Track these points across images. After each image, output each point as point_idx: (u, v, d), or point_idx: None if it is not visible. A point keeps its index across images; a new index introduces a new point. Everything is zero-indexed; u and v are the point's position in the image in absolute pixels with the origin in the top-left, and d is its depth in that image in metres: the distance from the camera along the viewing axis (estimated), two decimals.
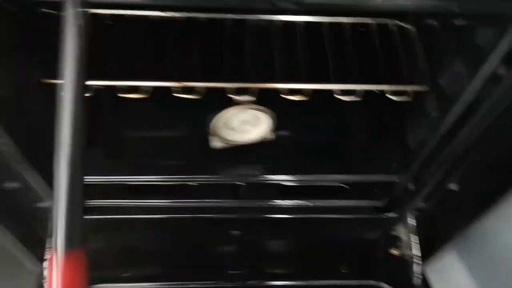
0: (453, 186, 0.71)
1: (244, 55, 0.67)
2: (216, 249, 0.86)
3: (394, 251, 0.84)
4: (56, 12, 0.66)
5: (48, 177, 0.68)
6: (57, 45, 0.65)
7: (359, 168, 0.76)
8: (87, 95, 0.61)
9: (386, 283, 0.79)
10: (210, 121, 0.70)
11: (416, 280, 0.79)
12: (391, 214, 0.82)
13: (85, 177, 0.71)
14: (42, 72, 0.63)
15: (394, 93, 0.66)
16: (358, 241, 0.85)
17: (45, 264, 0.76)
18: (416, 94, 0.66)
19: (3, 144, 0.59)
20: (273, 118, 0.70)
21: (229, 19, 0.70)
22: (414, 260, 0.80)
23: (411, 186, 0.75)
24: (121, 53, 0.67)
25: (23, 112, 0.61)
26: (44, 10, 0.65)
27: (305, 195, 0.81)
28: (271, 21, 0.70)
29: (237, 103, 0.66)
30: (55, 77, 0.61)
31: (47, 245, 0.77)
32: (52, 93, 0.64)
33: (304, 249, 0.84)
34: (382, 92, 0.67)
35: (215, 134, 0.71)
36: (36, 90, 0.64)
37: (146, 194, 0.79)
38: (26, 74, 0.62)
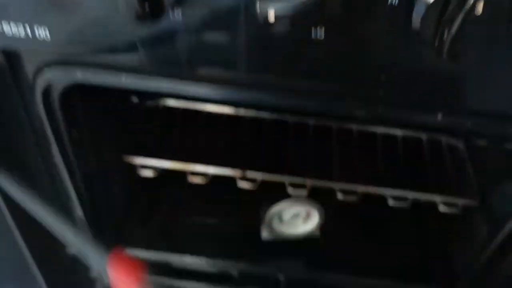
0: None
1: (303, 153, 0.72)
2: None
3: None
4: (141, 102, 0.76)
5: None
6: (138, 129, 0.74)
7: (401, 280, 0.76)
8: (151, 175, 0.69)
9: None
10: (264, 211, 0.74)
11: None
12: None
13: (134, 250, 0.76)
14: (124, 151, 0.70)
15: (444, 204, 0.68)
16: None
17: None
18: (465, 208, 0.68)
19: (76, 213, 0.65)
20: (322, 216, 0.73)
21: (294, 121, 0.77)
22: None
23: None
24: (190, 140, 0.75)
25: (103, 187, 0.67)
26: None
27: None
28: (331, 126, 0.77)
29: (291, 196, 0.71)
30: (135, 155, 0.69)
31: None
32: (128, 170, 0.71)
33: None
34: (430, 204, 0.70)
35: (267, 225, 0.74)
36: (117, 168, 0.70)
37: (188, 278, 0.81)
38: (112, 154, 0.69)
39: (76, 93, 0.49)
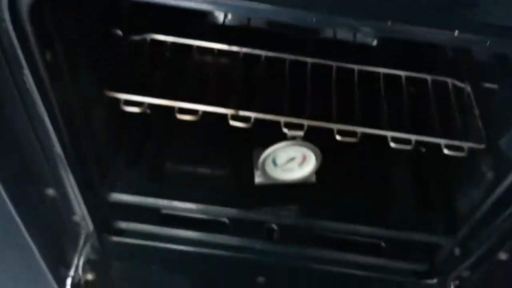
0: (503, 256, 0.67)
1: (302, 94, 0.68)
2: None
3: None
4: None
5: (88, 188, 0.68)
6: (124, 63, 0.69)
7: (401, 225, 0.73)
8: (138, 110, 0.64)
9: None
10: (257, 154, 0.70)
11: None
12: (430, 281, 0.77)
13: (121, 194, 0.72)
14: (107, 86, 0.64)
15: (449, 147, 0.64)
16: None
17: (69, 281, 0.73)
18: (471, 151, 0.64)
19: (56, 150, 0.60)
20: (319, 160, 0.69)
21: (291, 59, 0.72)
22: None
23: (457, 251, 0.71)
24: (179, 77, 0.69)
25: (85, 121, 0.62)
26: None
27: (339, 248, 0.78)
28: (332, 66, 0.72)
29: (287, 138, 0.66)
30: (118, 91, 0.64)
31: (74, 263, 0.75)
32: (111, 106, 0.66)
33: None
34: (434, 147, 0.66)
35: (260, 169, 0.70)
36: (99, 103, 0.65)
37: (178, 224, 0.77)
38: (93, 87, 0.64)
39: (47, 3, 0.44)
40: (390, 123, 0.66)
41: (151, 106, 0.65)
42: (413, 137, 0.64)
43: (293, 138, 0.66)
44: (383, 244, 0.78)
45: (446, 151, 0.64)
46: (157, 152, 0.78)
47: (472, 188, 0.68)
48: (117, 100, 0.63)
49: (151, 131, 0.80)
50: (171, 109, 0.64)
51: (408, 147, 0.64)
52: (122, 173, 0.74)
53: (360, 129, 0.64)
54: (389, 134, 0.64)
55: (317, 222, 0.73)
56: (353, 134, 0.64)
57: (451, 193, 0.73)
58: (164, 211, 0.77)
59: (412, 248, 0.77)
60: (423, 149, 0.80)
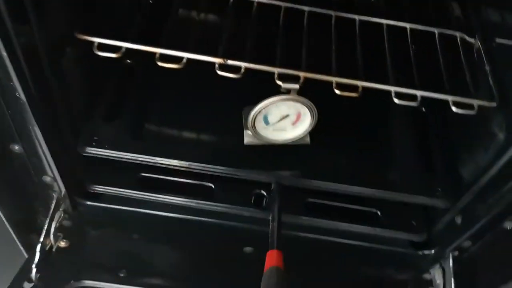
0: (509, 225, 0.62)
1: (298, 45, 0.61)
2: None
3: None
4: None
5: (59, 145, 0.61)
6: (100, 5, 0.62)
7: (399, 188, 0.68)
8: (114, 55, 0.56)
9: None
10: (247, 112, 0.63)
11: None
12: (428, 252, 0.73)
13: (97, 149, 0.65)
14: (78, 27, 0.57)
15: (457, 105, 0.59)
16: (387, 281, 0.75)
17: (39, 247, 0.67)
18: (481, 110, 0.59)
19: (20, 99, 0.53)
20: (315, 118, 0.64)
21: (286, 7, 0.65)
22: None
23: (458, 220, 0.66)
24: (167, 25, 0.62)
25: (53, 66, 0.55)
26: None
27: (334, 217, 0.73)
28: (331, 15, 0.65)
29: (281, 92, 0.60)
30: (91, 35, 0.57)
31: (44, 229, 0.69)
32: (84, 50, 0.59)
33: (320, 278, 0.74)
34: (440, 105, 0.60)
35: (250, 128, 0.64)
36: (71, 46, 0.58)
37: (159, 189, 0.71)
38: (62, 27, 0.56)
39: None
40: (394, 78, 0.60)
41: (130, 54, 0.58)
42: (419, 93, 0.59)
43: (288, 92, 0.60)
44: (379, 213, 0.74)
45: (454, 108, 0.59)
46: (138, 106, 0.71)
47: (479, 151, 0.63)
48: (91, 44, 0.56)
49: (132, 83, 0.73)
50: (152, 57, 0.57)
51: (413, 104, 0.58)
52: (99, 127, 0.67)
53: (361, 83, 0.58)
54: (393, 89, 0.58)
55: (312, 183, 0.67)
56: (354, 88, 0.58)
57: (456, 156, 0.68)
58: (144, 174, 0.71)
59: (410, 218, 0.73)
60: (423, 109, 0.75)
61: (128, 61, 0.74)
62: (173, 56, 0.57)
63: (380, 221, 0.73)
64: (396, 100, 0.58)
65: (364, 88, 0.58)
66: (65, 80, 0.58)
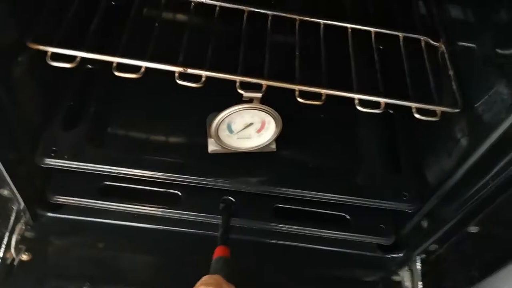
0: (473, 229, 0.62)
1: (261, 51, 0.60)
2: None
3: None
4: None
5: (15, 157, 0.59)
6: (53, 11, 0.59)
7: (366, 193, 0.68)
8: (68, 66, 0.54)
9: None
10: (211, 120, 0.62)
11: None
12: (396, 255, 0.73)
13: (56, 160, 0.63)
14: (30, 36, 0.54)
15: (420, 112, 0.58)
16: (357, 283, 0.75)
17: None
18: (444, 115, 0.59)
19: None
20: (279, 126, 0.63)
21: (249, 11, 0.63)
22: None
23: (424, 223, 0.67)
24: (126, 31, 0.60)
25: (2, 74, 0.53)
26: None
27: (302, 222, 0.72)
28: (294, 18, 0.64)
29: (244, 101, 0.59)
30: (43, 43, 0.54)
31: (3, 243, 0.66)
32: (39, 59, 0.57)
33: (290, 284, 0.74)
34: (405, 109, 0.60)
35: (213, 136, 0.63)
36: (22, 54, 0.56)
37: (123, 198, 0.70)
38: (10, 34, 0.54)
39: None
40: (358, 84, 0.59)
41: (89, 60, 0.55)
42: (382, 100, 0.58)
43: (250, 100, 0.58)
44: (348, 216, 0.74)
45: (417, 115, 0.58)
46: (100, 113, 0.68)
47: (444, 155, 0.63)
48: (44, 53, 0.54)
49: (93, 89, 0.70)
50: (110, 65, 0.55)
51: (377, 111, 0.58)
52: (58, 136, 0.64)
53: (324, 91, 0.57)
54: (357, 96, 0.58)
55: (279, 190, 0.67)
56: (317, 96, 0.57)
57: (422, 160, 0.68)
58: (107, 183, 0.69)
59: (379, 221, 0.73)
60: (391, 111, 0.75)
61: (89, 66, 0.71)
62: (131, 65, 0.55)
63: (350, 225, 0.73)
64: (359, 108, 0.58)
65: (327, 95, 0.58)
66: (17, 88, 0.55)
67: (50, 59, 0.54)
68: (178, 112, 0.70)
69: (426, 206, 0.65)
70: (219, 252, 0.59)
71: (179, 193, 0.71)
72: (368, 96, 0.58)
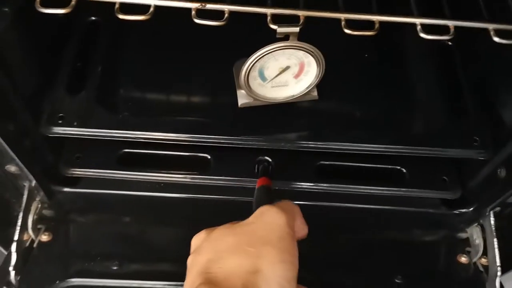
0: None
1: None
2: None
3: (463, 259, 0.65)
4: None
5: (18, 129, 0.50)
6: None
7: (425, 141, 0.57)
8: (61, 11, 0.44)
9: None
10: (239, 67, 0.52)
11: None
12: (465, 210, 0.63)
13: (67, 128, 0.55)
14: None
15: (500, 34, 0.47)
16: (417, 243, 0.66)
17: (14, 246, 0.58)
18: None
19: None
20: (321, 67, 0.52)
21: None
22: (492, 271, 0.61)
23: (502, 173, 0.56)
24: None
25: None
26: None
27: (353, 180, 0.63)
28: None
29: (278, 39, 0.48)
30: None
31: (18, 224, 0.59)
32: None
33: (347, 250, 0.65)
34: (471, 38, 0.49)
35: (243, 87, 0.53)
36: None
37: (147, 166, 0.61)
38: None
39: None
40: (417, 8, 0.48)
41: (92, 7, 0.46)
42: (451, 23, 0.46)
43: (286, 38, 0.48)
44: (404, 170, 0.64)
45: (496, 39, 0.46)
46: (108, 74, 0.59)
47: None
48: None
49: (99, 44, 0.61)
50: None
51: (445, 38, 0.46)
52: (64, 102, 0.56)
53: (378, 17, 0.46)
54: (419, 21, 0.46)
55: (322, 145, 0.57)
56: (369, 25, 0.46)
57: (494, 96, 0.57)
58: (126, 150, 0.60)
59: (441, 173, 0.63)
60: (450, 43, 0.63)
61: (93, 18, 0.62)
62: (138, 6, 0.45)
63: (406, 179, 0.63)
64: (423, 35, 0.46)
65: (381, 24, 0.46)
66: (4, 47, 0.46)
67: (39, 4, 0.44)
68: (199, 62, 0.60)
69: (503, 151, 0.55)
70: (260, 182, 0.53)
71: (208, 157, 0.62)
72: (433, 20, 0.46)
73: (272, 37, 0.48)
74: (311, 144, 0.57)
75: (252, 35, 0.48)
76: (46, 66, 0.56)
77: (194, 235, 0.64)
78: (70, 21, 0.61)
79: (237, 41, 0.54)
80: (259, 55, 0.49)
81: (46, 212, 0.64)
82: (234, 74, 0.57)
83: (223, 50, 0.59)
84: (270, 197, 0.51)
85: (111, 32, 0.62)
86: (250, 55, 0.50)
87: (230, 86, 0.57)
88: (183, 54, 0.61)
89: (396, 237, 0.67)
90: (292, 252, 0.39)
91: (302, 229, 0.44)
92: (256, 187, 0.53)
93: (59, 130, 0.54)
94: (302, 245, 0.42)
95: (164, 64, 0.61)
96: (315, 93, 0.56)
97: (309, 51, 0.49)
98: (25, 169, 0.54)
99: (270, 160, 0.62)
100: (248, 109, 0.57)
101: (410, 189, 0.62)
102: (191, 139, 0.56)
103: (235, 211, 0.63)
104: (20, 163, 0.53)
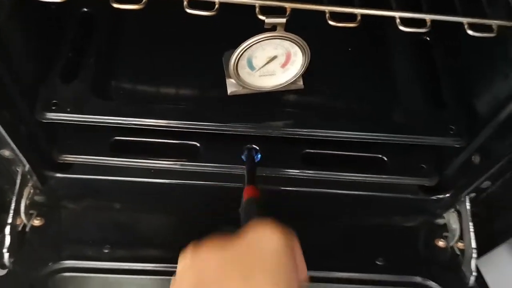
0: None
1: None
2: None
3: (440, 243, 0.68)
4: None
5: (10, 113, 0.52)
6: None
7: (405, 129, 0.60)
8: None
9: (434, 280, 0.63)
10: (228, 57, 0.54)
11: (470, 278, 0.63)
12: (442, 196, 0.66)
13: (60, 114, 0.57)
14: None
15: (474, 27, 0.50)
16: (398, 228, 0.69)
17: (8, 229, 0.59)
18: (500, 31, 0.50)
19: None
20: (307, 57, 0.55)
21: None
22: (468, 254, 0.64)
23: (476, 159, 0.59)
24: None
25: None
26: None
27: (336, 167, 0.65)
28: None
29: (266, 29, 0.50)
30: None
31: (11, 208, 0.61)
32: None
33: (331, 234, 0.68)
34: (447, 32, 0.51)
35: (233, 75, 0.55)
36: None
37: (138, 152, 0.63)
38: None
39: None
40: (397, 2, 0.50)
41: None
42: (428, 17, 0.49)
43: (274, 28, 0.50)
44: (384, 158, 0.66)
45: (470, 32, 0.49)
46: (101, 63, 0.61)
47: (497, 80, 0.54)
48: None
49: (92, 34, 0.62)
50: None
51: (422, 30, 0.49)
52: (58, 89, 0.57)
53: (360, 11, 0.49)
54: (398, 14, 0.49)
55: (307, 132, 0.59)
56: (351, 17, 0.49)
57: (469, 88, 0.60)
58: (117, 138, 0.62)
59: (419, 161, 0.66)
60: (427, 38, 0.66)
61: (85, 9, 0.63)
62: None
63: (387, 167, 0.66)
64: (401, 28, 0.49)
65: (363, 16, 0.49)
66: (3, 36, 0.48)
67: None
68: (190, 52, 0.62)
69: (477, 139, 0.58)
70: (248, 193, 0.50)
71: (198, 144, 0.64)
72: (411, 13, 0.49)
73: (260, 29, 0.51)
74: (297, 131, 0.59)
75: (241, 26, 0.50)
76: (42, 56, 0.58)
77: (183, 220, 0.67)
78: (65, 11, 0.62)
79: (227, 32, 0.56)
80: (248, 45, 0.51)
81: (38, 198, 0.65)
82: (223, 63, 0.59)
83: (213, 41, 0.61)
84: (260, 210, 0.48)
85: (104, 23, 0.63)
86: (239, 44, 0.52)
87: (220, 75, 0.60)
88: (175, 45, 0.63)
89: (378, 221, 0.70)
90: (289, 272, 0.35)
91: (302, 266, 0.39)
92: (244, 199, 0.50)
93: (53, 115, 0.56)
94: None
95: (156, 54, 0.63)
96: (300, 83, 0.59)
97: (296, 42, 0.52)
98: (19, 154, 0.56)
99: (257, 147, 0.64)
100: (237, 97, 0.59)
101: (390, 176, 0.65)
102: (181, 125, 0.58)
103: (223, 196, 0.66)
104: (15, 147, 0.54)
